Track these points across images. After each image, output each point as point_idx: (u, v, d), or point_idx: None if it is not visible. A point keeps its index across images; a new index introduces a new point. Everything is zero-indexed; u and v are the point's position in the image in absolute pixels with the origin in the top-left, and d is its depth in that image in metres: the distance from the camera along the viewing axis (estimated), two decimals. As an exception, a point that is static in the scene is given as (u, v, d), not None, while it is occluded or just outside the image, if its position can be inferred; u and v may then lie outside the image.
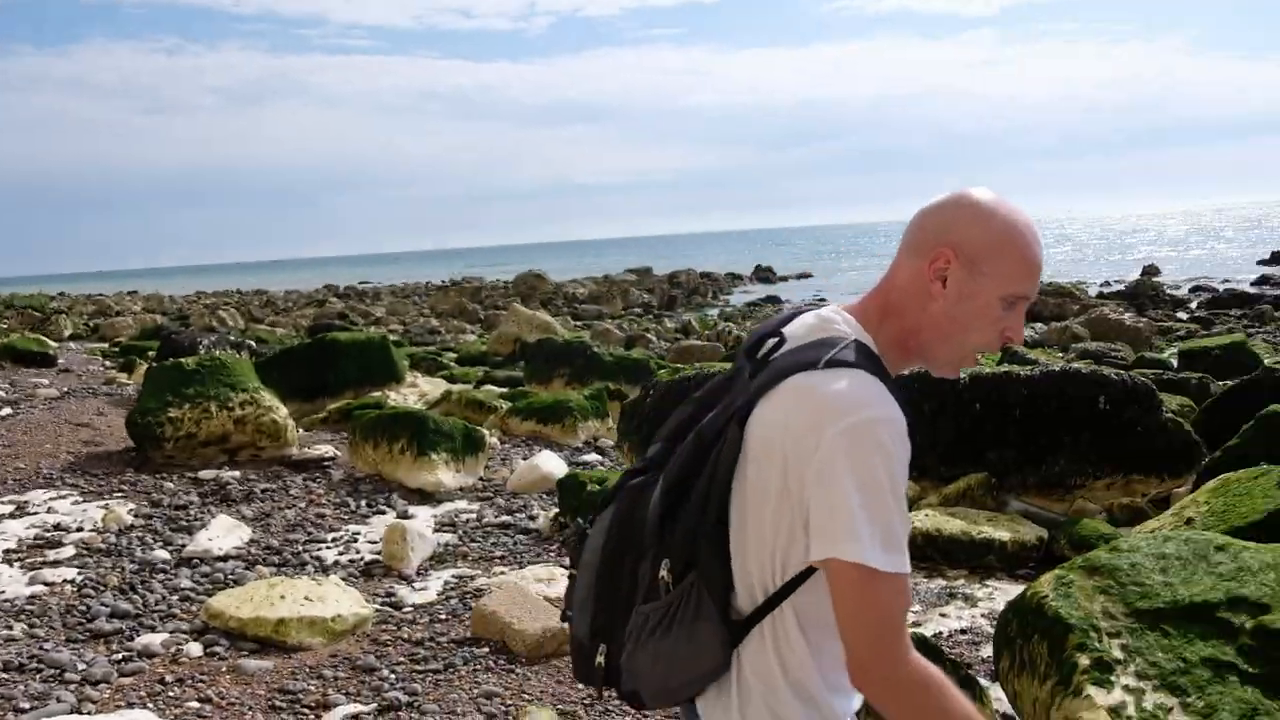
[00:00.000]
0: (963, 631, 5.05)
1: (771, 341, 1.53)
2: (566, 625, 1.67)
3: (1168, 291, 28.22)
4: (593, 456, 9.48)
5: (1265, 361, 9.61)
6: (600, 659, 1.56)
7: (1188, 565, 3.34)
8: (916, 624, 5.18)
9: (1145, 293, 27.10)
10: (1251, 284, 30.52)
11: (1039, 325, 20.13)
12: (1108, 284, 32.32)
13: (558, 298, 37.26)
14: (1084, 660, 3.12)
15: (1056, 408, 6.88)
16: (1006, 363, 9.33)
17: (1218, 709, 2.88)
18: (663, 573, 1.46)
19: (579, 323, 27.62)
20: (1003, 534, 6.21)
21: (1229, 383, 9.20)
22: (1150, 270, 37.22)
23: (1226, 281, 31.82)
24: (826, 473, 1.36)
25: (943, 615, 5.33)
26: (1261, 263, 39.84)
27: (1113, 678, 3.06)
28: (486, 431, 9.09)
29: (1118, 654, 3.12)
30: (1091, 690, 3.03)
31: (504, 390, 12.77)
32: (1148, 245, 64.79)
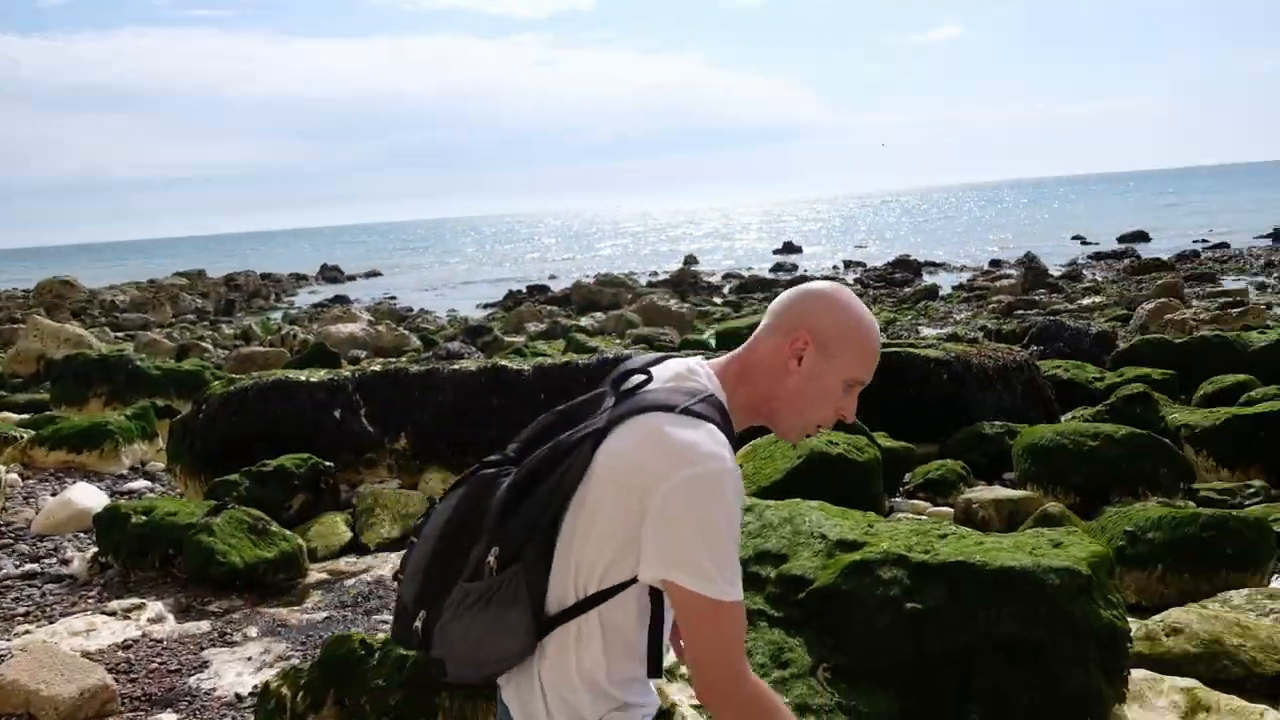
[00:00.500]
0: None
1: (639, 378, 1.68)
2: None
3: (705, 279, 31.47)
4: (140, 484, 8.54)
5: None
6: (419, 624, 1.67)
7: (722, 528, 3.73)
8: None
9: (687, 281, 30.02)
10: (769, 270, 35.06)
11: (598, 314, 21.48)
12: (655, 274, 35.33)
13: (93, 307, 33.05)
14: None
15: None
16: (572, 352, 9.79)
17: (752, 653, 3.23)
18: (490, 558, 1.60)
19: (120, 334, 24.72)
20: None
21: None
22: (690, 260, 41.30)
23: (751, 269, 36.22)
24: (674, 513, 1.52)
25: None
26: (776, 252, 45.96)
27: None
28: (2, 467, 7.82)
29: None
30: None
31: (25, 417, 11.08)
32: (687, 239, 71.83)
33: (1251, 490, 6.38)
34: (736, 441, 1.64)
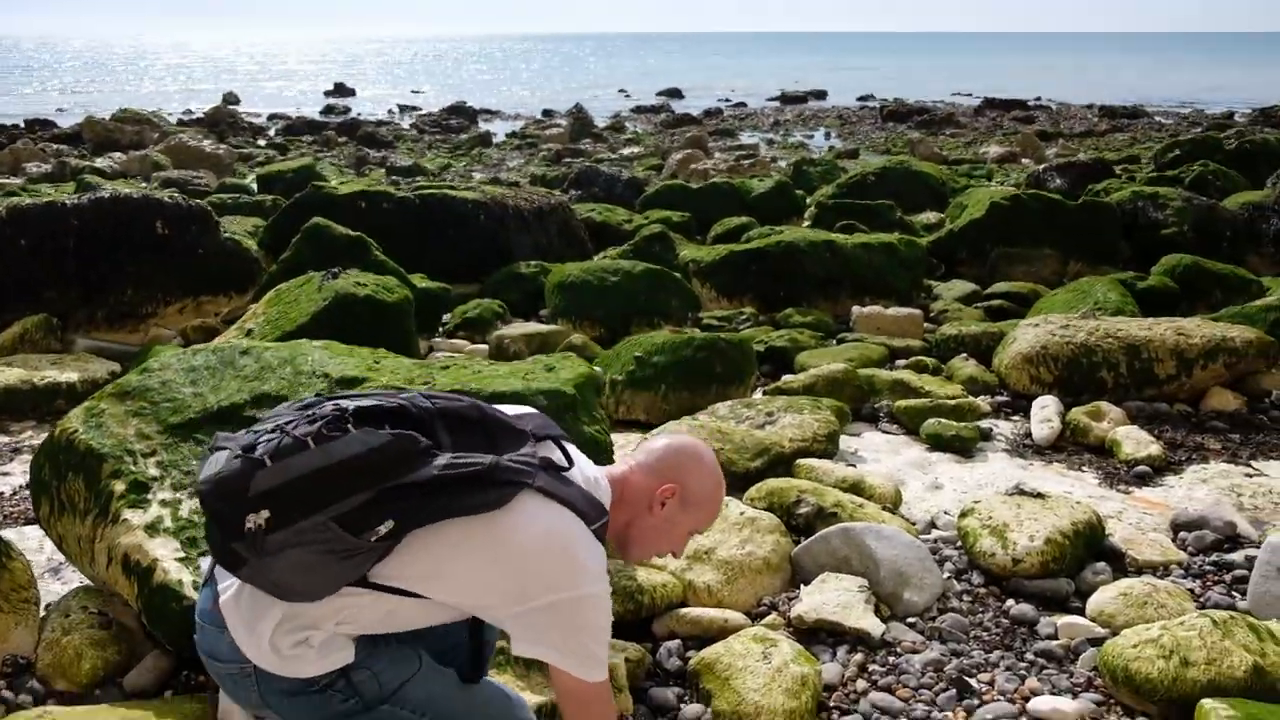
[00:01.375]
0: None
1: (562, 461, 1.88)
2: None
3: (247, 120, 28.86)
4: None
5: (332, 182, 10.42)
6: (260, 523, 1.65)
7: (216, 374, 3.44)
8: (-37, 494, 4.55)
9: (225, 120, 27.32)
10: (320, 113, 32.97)
11: (118, 155, 18.90)
12: (189, 112, 31.75)
13: None
14: (119, 486, 3.04)
15: (113, 236, 6.52)
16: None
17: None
18: (383, 527, 1.68)
19: None
20: (71, 375, 5.77)
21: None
22: (230, 99, 37.56)
23: (300, 110, 33.79)
24: (567, 618, 1.76)
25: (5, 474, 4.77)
26: (328, 93, 43.25)
27: (149, 496, 3.04)
28: None
29: (154, 472, 3.10)
30: (128, 514, 2.97)
31: None
32: (227, 75, 65.13)
33: (744, 317, 7.23)
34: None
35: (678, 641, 3.14)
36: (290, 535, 1.65)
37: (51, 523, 3.24)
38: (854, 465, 4.65)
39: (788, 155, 20.01)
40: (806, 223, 10.68)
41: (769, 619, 3.26)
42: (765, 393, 5.70)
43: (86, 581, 3.28)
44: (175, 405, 3.30)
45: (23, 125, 25.90)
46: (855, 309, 7.28)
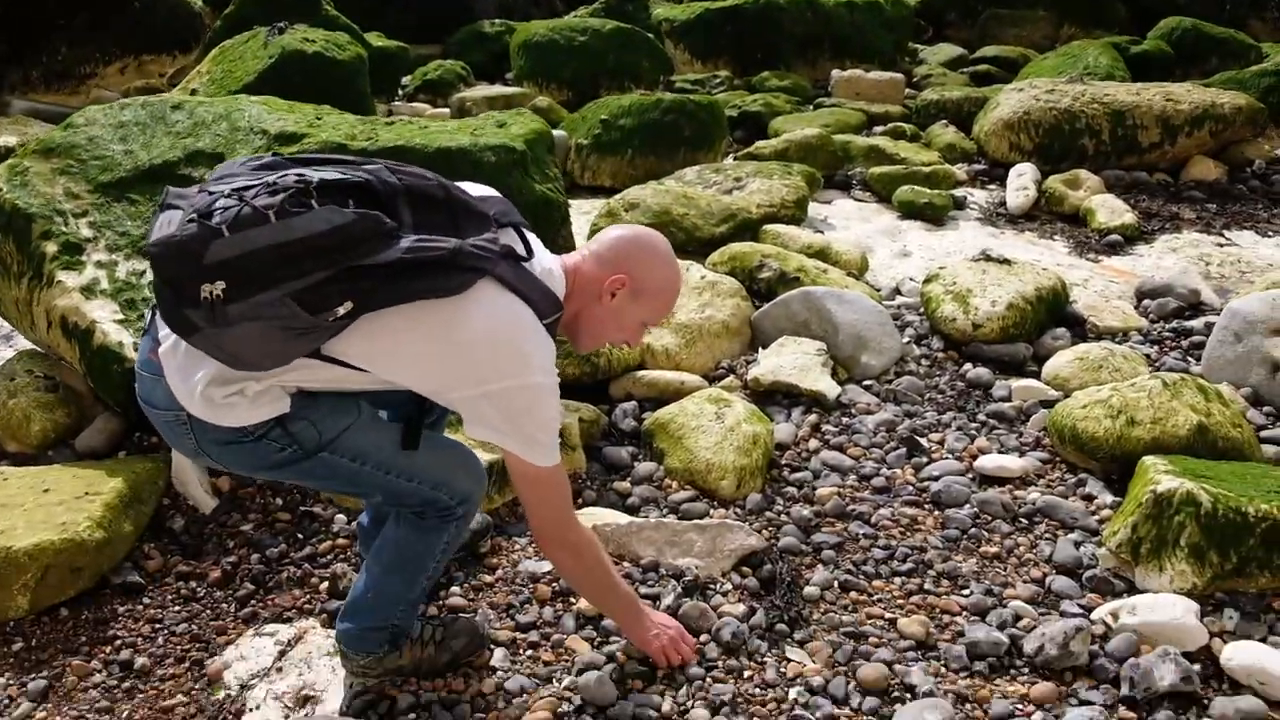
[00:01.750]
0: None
1: (522, 250, 1.81)
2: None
3: None
4: None
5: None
6: (218, 293, 1.57)
7: (147, 130, 3.24)
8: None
9: None
10: None
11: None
12: None
13: None
14: (51, 248, 2.91)
15: (41, -13, 6.04)
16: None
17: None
18: (341, 309, 1.61)
19: None
20: (9, 139, 5.49)
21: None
22: None
23: None
24: (515, 405, 1.73)
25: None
26: None
27: (83, 258, 2.92)
28: None
29: (86, 233, 2.97)
30: (63, 275, 2.87)
31: None
32: None
33: (718, 80, 6.91)
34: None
35: (634, 403, 3.14)
36: (247, 308, 1.57)
37: (-16, 287, 3.14)
38: (822, 232, 4.56)
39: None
40: (790, -19, 10.06)
41: (726, 381, 3.26)
42: (736, 158, 5.52)
43: (31, 345, 3.22)
44: (105, 163, 3.12)
45: None
46: (835, 73, 6.97)
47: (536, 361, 1.72)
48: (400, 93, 6.84)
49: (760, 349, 3.42)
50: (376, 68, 5.89)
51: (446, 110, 6.37)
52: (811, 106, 6.60)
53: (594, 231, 4.28)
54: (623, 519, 2.50)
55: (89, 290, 2.86)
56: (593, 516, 2.52)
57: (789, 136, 5.51)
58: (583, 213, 4.82)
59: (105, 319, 2.80)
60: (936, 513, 2.65)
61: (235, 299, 1.56)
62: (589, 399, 3.13)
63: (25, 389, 2.93)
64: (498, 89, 6.59)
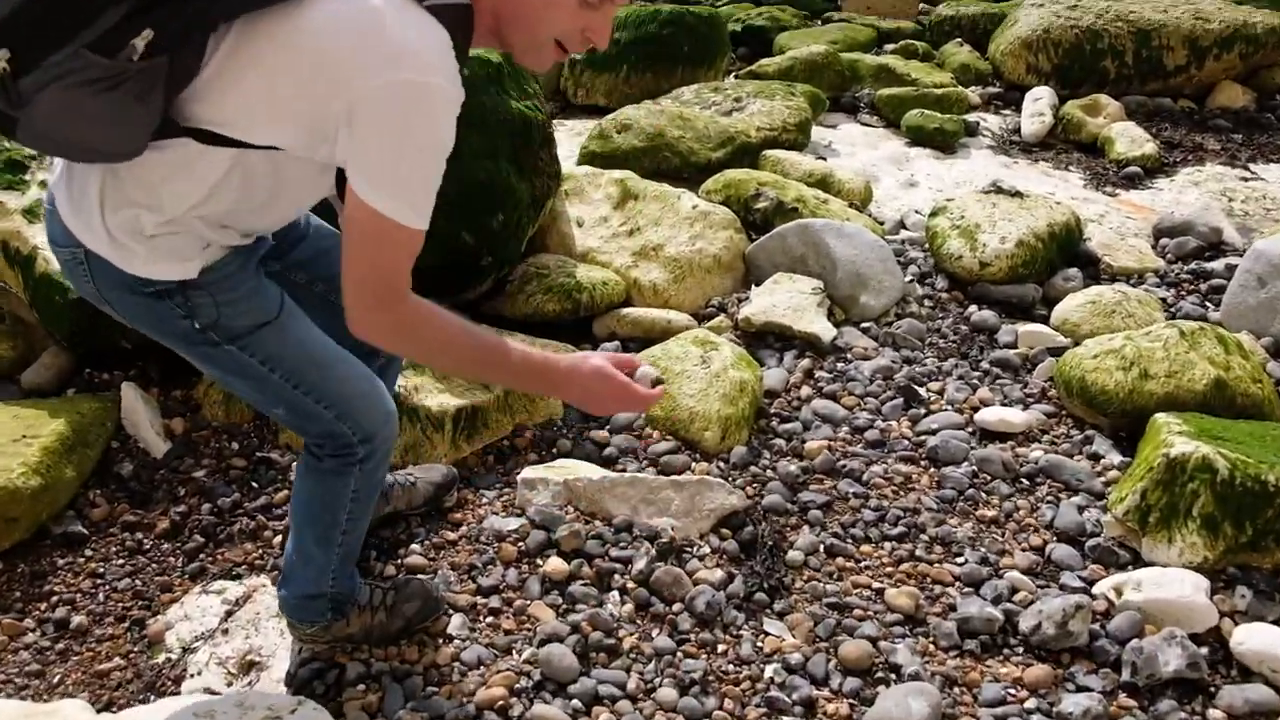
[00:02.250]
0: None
1: None
2: None
3: None
4: None
5: None
6: (4, 66, 1.31)
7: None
8: None
9: None
10: None
11: None
12: None
13: None
14: (-9, 165, 2.71)
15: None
16: None
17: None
18: (140, 40, 1.30)
19: None
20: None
21: None
22: None
23: None
24: (379, 123, 1.32)
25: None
26: None
27: (26, 176, 2.72)
28: None
29: (30, 150, 2.76)
30: (3, 196, 2.67)
31: None
32: None
33: (722, -10, 6.55)
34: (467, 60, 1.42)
35: (617, 343, 2.96)
36: (41, 75, 1.31)
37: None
38: (824, 159, 4.31)
39: None
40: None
41: (715, 321, 3.07)
42: (737, 77, 5.23)
43: (-22, 270, 3.03)
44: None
45: None
46: (846, -16, 6.61)
47: (430, 59, 1.31)
48: None
49: (753, 286, 3.23)
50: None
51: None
52: (820, 21, 6.27)
53: (584, 156, 4.04)
54: (596, 473, 2.34)
55: (31, 213, 2.66)
56: (566, 470, 2.36)
57: (794, 54, 5.22)
58: (574, 134, 4.58)
59: (48, 245, 2.61)
60: (933, 470, 2.50)
61: (27, 69, 1.32)
62: (569, 338, 2.96)
63: (-33, 319, 2.76)
64: None
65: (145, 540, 2.26)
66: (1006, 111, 5.17)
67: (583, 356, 1.57)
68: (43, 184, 2.72)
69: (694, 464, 2.48)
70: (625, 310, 3.06)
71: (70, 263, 1.57)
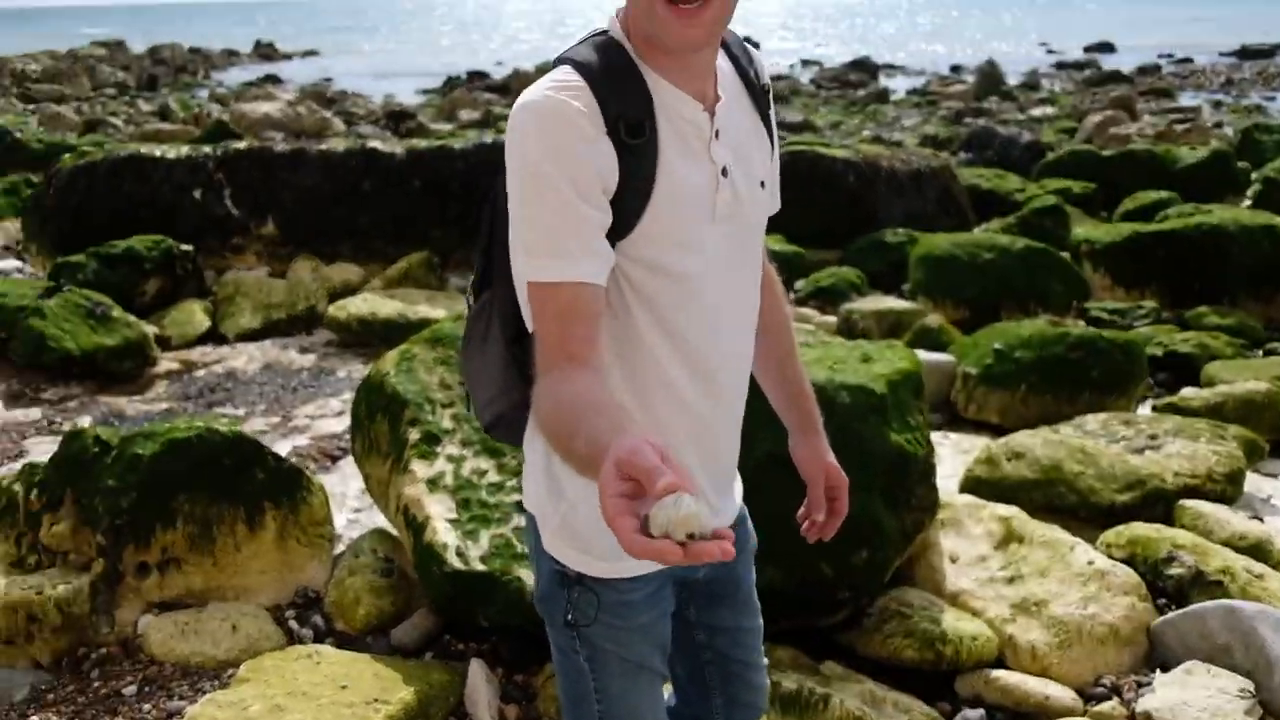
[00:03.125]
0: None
1: None
2: None
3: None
4: (11, 264, 7.98)
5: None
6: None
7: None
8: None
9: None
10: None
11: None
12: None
13: (3, 75, 30.99)
14: (414, 435, 3.05)
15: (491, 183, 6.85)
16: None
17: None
18: (468, 285, 1.41)
19: (31, 107, 23.19)
20: (439, 311, 6.15)
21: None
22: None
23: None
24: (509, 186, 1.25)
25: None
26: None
27: (438, 449, 3.02)
28: None
29: (448, 424, 3.08)
30: (416, 465, 2.97)
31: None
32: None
33: (1142, 312, 6.13)
34: (621, 89, 1.26)
35: (982, 712, 2.59)
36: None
37: (362, 460, 3.35)
38: (1261, 519, 3.69)
39: (1237, 120, 17.14)
40: (1247, 202, 8.96)
41: (1105, 706, 2.60)
42: (1155, 408, 4.75)
43: (386, 524, 3.36)
44: (478, 360, 3.26)
45: (465, 76, 28.91)
46: (1296, 314, 5.92)
47: (534, 88, 1.23)
48: (791, 296, 6.83)
49: (1159, 670, 2.72)
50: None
51: (833, 319, 6.22)
52: (1261, 352, 5.61)
53: (968, 481, 3.78)
54: None
55: (434, 483, 2.92)
56: None
57: (1227, 388, 4.66)
58: (960, 450, 4.34)
59: (439, 515, 2.83)
60: None
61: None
62: (929, 693, 2.64)
63: (363, 569, 3.03)
64: (889, 302, 6.34)
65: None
66: None
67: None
68: (450, 458, 3.00)
69: None
70: (996, 673, 2.69)
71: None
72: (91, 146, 10.97)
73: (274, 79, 32.91)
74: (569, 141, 1.21)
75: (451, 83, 27.80)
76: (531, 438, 1.44)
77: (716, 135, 1.34)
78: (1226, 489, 3.75)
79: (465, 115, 19.68)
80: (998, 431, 4.58)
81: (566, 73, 1.26)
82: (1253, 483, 4.02)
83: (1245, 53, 32.96)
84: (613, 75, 1.26)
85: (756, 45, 1.56)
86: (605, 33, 1.33)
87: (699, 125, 1.33)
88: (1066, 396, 4.64)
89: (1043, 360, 4.69)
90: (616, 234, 1.26)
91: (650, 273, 1.29)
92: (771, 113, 1.48)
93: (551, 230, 1.20)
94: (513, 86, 24.23)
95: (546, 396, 1.16)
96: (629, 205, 1.26)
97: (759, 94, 1.46)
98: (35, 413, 5.39)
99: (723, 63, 1.41)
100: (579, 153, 1.21)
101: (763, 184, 1.43)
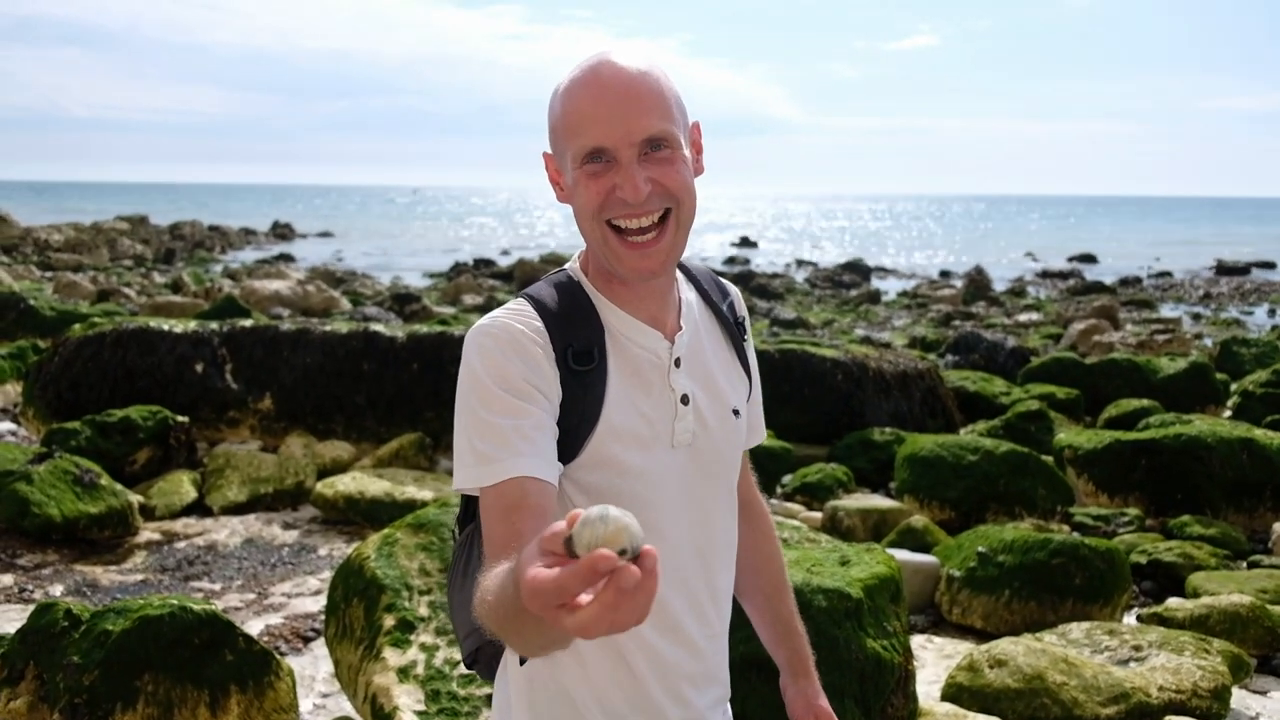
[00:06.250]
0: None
1: None
2: None
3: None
4: (6, 426, 8.05)
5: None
6: None
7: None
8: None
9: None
10: (722, 263, 34.83)
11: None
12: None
13: (25, 244, 31.99)
14: (389, 621, 3.03)
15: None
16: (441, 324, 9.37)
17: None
18: (453, 522, 1.46)
19: (49, 274, 23.85)
20: (427, 494, 6.17)
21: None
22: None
23: (705, 258, 35.98)
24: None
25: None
26: (733, 245, 45.72)
27: (412, 637, 2.99)
28: None
29: (424, 611, 3.07)
30: (389, 652, 2.94)
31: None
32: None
33: (1126, 519, 6.16)
34: (571, 319, 1.35)
35: None
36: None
37: (333, 645, 3.31)
38: (1248, 739, 3.61)
39: (1216, 333, 17.66)
40: (1226, 413, 9.14)
41: None
42: (1139, 619, 4.71)
43: (353, 712, 3.29)
44: (458, 545, 3.28)
45: (472, 263, 29.93)
46: (1277, 526, 5.94)
47: (478, 343, 1.29)
48: (779, 491, 6.86)
49: None
50: (759, 464, 5.97)
51: (819, 515, 6.24)
52: (1244, 564, 5.60)
53: (949, 688, 3.72)
54: None
55: (404, 673, 2.89)
56: None
57: (1211, 600, 4.64)
58: (943, 655, 4.28)
59: (407, 706, 2.79)
60: None
61: None
62: None
63: (326, 760, 2.95)
64: (875, 501, 6.38)
65: None
66: None
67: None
68: (423, 646, 2.97)
69: None
70: None
71: None
72: (101, 316, 11.28)
73: (287, 257, 34.03)
74: (513, 359, 1.27)
75: (458, 268, 28.75)
76: (501, 674, 1.44)
77: (677, 363, 1.39)
78: (1212, 705, 3.68)
79: (469, 299, 20.28)
80: (982, 636, 4.53)
81: (520, 304, 1.36)
82: (1239, 699, 3.94)
83: (1221, 268, 34.29)
84: (564, 307, 1.35)
85: (748, 256, 1.64)
86: (564, 271, 1.44)
87: (656, 353, 1.38)
88: (1050, 603, 4.61)
89: (1025, 566, 4.69)
90: (565, 456, 1.31)
91: (601, 497, 1.32)
92: (748, 346, 1.52)
93: (494, 432, 1.23)
94: (516, 274, 25.03)
95: (485, 588, 1.10)
96: (576, 429, 1.31)
97: (732, 328, 1.51)
98: (7, 579, 5.33)
99: (691, 295, 1.47)
100: (524, 370, 1.27)
101: (736, 412, 1.45)
